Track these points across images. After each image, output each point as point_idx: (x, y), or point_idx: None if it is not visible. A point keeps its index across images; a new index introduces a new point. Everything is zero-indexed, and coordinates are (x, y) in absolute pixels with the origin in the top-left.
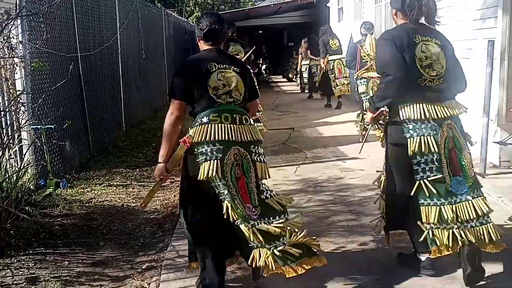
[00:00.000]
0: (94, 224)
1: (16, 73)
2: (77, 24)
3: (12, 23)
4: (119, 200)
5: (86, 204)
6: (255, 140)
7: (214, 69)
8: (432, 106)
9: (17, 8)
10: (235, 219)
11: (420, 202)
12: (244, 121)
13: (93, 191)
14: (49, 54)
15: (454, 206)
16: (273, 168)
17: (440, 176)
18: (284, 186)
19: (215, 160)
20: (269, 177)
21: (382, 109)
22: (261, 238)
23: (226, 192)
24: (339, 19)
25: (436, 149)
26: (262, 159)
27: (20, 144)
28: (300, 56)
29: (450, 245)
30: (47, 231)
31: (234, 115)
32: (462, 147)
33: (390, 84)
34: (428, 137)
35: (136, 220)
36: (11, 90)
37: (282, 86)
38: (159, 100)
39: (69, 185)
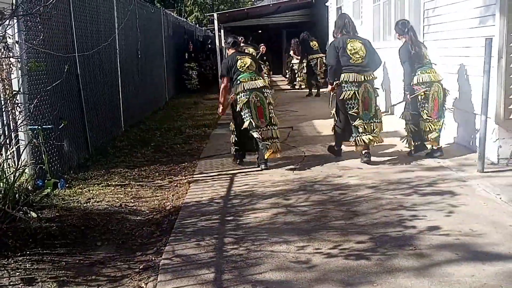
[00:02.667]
0: (91, 224)
1: (13, 73)
2: (75, 23)
3: (8, 23)
4: (117, 200)
5: (84, 204)
6: (265, 86)
7: (238, 58)
8: (356, 74)
9: (13, 7)
10: (253, 127)
11: (352, 123)
12: (257, 79)
13: (91, 191)
14: (46, 54)
15: (366, 124)
16: (272, 168)
17: (357, 110)
18: (282, 186)
19: (245, 98)
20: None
21: (336, 82)
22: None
23: (248, 115)
24: None
25: (357, 97)
26: (269, 96)
27: (18, 145)
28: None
29: (366, 143)
30: (44, 231)
31: (252, 77)
32: (371, 97)
33: (330, 70)
34: (352, 91)
35: (134, 220)
36: (7, 91)
37: (281, 85)
38: (159, 100)
39: (67, 185)
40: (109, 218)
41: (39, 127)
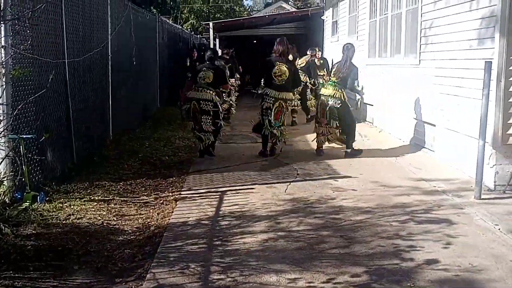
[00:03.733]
0: (70, 245)
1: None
2: (66, 28)
3: None
4: (99, 218)
5: (64, 221)
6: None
7: (203, 70)
8: (275, 91)
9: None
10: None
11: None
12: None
13: (72, 207)
14: (34, 60)
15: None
16: (263, 185)
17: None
18: (273, 207)
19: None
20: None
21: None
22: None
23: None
24: (333, 32)
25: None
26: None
27: None
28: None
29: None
30: (18, 251)
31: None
32: (284, 110)
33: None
34: (268, 103)
35: (116, 241)
36: None
37: None
38: (151, 108)
39: (47, 198)
40: (89, 237)
41: (20, 137)
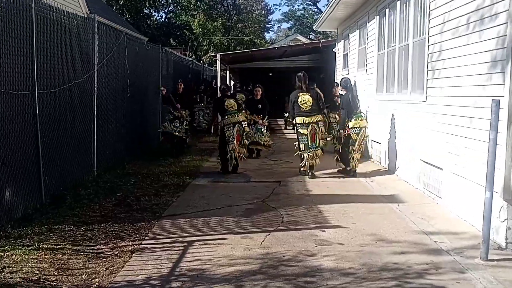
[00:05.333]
0: None
1: None
2: (38, 56)
3: None
4: (38, 272)
5: None
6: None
7: (225, 100)
8: (305, 118)
9: None
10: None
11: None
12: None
13: (13, 256)
14: None
15: (311, 152)
16: (238, 235)
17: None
18: (240, 265)
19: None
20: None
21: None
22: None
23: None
24: (344, 65)
25: (306, 133)
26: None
27: None
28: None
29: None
30: None
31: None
32: (318, 133)
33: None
34: (302, 129)
35: None
36: None
37: (286, 131)
38: (149, 142)
39: None
40: None
41: None
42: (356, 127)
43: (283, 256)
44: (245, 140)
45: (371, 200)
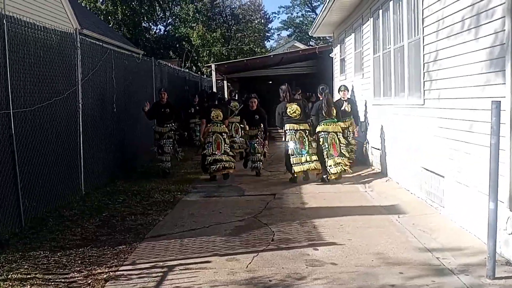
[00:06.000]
0: None
1: None
2: (12, 74)
3: None
4: None
5: None
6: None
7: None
8: (295, 124)
9: None
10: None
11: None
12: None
13: None
14: None
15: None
16: (223, 256)
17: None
18: None
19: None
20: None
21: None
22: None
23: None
24: (342, 70)
25: (295, 138)
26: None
27: None
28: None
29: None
30: None
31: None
32: (306, 140)
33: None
34: (290, 134)
35: None
36: None
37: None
38: (142, 157)
39: None
40: None
41: None
42: (321, 131)
43: (269, 280)
44: (226, 149)
45: (369, 212)
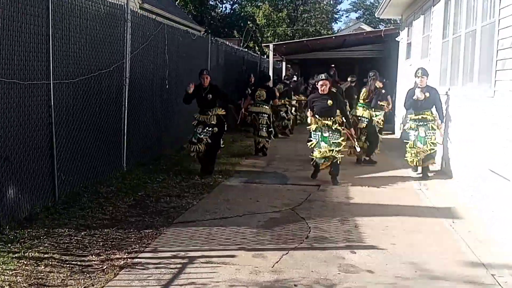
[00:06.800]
0: None
1: None
2: (54, 44)
3: None
4: None
5: None
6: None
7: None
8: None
9: None
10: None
11: None
12: (261, 105)
13: None
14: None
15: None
16: (250, 251)
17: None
18: None
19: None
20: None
21: None
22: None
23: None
24: (407, 55)
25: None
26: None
27: None
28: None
29: None
30: None
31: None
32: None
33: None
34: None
35: None
36: None
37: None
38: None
39: None
40: None
41: None
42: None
43: (294, 285)
44: (262, 132)
45: (421, 213)
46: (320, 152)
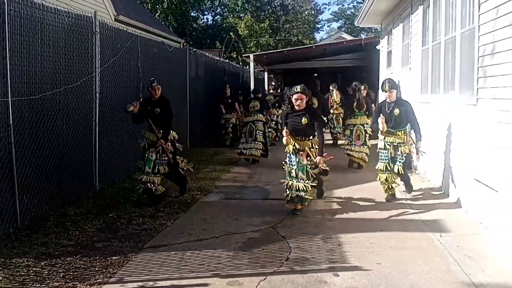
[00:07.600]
0: None
1: None
2: (12, 59)
3: None
4: None
5: None
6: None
7: (252, 101)
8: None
9: None
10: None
11: None
12: (255, 115)
13: None
14: None
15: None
16: (224, 279)
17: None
18: None
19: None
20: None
21: None
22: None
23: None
24: (388, 63)
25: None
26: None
27: None
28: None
29: None
30: None
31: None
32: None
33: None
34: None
35: None
36: None
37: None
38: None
39: None
40: None
41: None
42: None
43: None
44: (259, 137)
45: (407, 227)
46: (293, 186)
